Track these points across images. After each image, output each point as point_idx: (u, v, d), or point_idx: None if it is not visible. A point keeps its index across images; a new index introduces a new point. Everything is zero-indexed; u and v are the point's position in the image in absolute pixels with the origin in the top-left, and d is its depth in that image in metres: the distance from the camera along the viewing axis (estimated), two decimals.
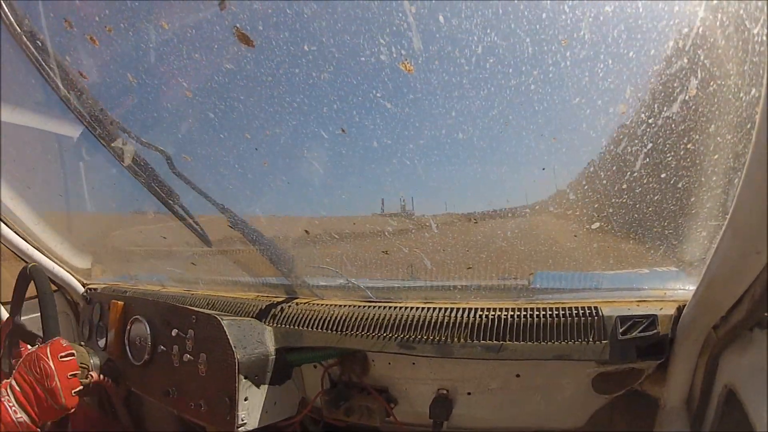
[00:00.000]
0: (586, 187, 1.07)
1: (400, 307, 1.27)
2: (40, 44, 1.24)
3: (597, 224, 1.10)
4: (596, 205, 1.08)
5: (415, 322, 1.20)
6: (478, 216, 1.19)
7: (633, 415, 1.15)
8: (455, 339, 1.14)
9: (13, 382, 1.26)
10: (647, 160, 0.98)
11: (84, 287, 2.09)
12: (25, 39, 1.23)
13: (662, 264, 1.13)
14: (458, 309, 1.19)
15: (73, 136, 1.65)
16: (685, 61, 0.89)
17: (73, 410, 1.33)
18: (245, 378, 1.26)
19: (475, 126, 1.08)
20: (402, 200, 1.27)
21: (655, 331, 1.00)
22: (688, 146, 0.95)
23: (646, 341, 1.00)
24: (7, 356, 1.56)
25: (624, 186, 1.03)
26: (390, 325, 1.23)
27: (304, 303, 1.45)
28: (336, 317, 1.32)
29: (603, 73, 0.93)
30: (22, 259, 1.92)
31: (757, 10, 0.79)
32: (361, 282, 1.44)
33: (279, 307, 1.45)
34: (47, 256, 2.00)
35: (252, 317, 1.44)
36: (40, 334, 1.50)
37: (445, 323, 1.17)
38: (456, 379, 1.29)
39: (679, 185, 0.99)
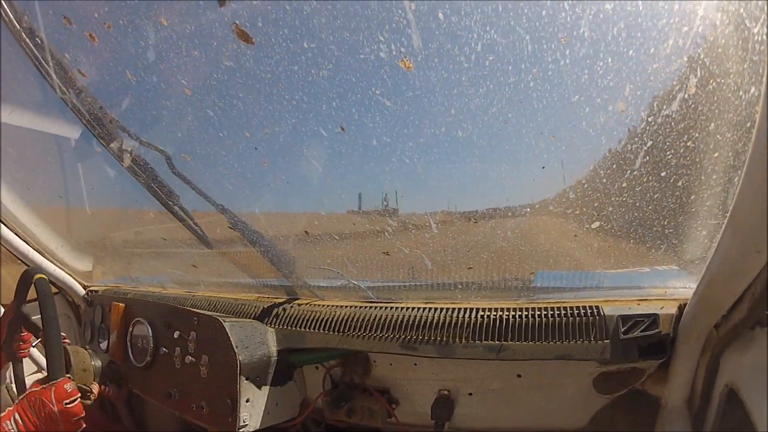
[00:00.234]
0: (586, 185, 1.06)
1: (402, 308, 1.26)
2: (39, 42, 1.25)
3: (597, 223, 1.10)
4: (596, 204, 1.08)
5: (416, 323, 1.20)
6: (478, 215, 1.19)
7: (634, 414, 1.14)
8: (457, 339, 1.14)
9: (17, 416, 1.26)
10: (647, 158, 0.98)
11: (85, 289, 2.09)
12: (24, 36, 1.24)
13: (663, 262, 1.12)
14: (459, 309, 1.19)
15: (72, 136, 1.65)
16: (685, 59, 0.89)
17: None
18: (247, 379, 1.26)
19: (474, 124, 1.08)
20: (385, 197, 1.26)
21: (657, 330, 1.00)
22: (688, 144, 0.95)
23: (647, 340, 1.00)
24: (8, 344, 1.56)
25: (624, 184, 1.03)
26: (391, 326, 1.23)
27: (306, 304, 1.45)
28: (337, 318, 1.31)
29: (603, 71, 0.93)
30: (23, 262, 1.92)
31: (756, 8, 0.79)
32: (362, 283, 1.44)
33: (280, 308, 1.45)
34: (48, 259, 2.00)
35: (253, 318, 1.44)
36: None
37: (446, 323, 1.17)
38: (457, 380, 1.29)
39: (679, 183, 0.99)
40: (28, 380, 1.79)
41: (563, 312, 1.09)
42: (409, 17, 0.94)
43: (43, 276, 1.40)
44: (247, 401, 1.26)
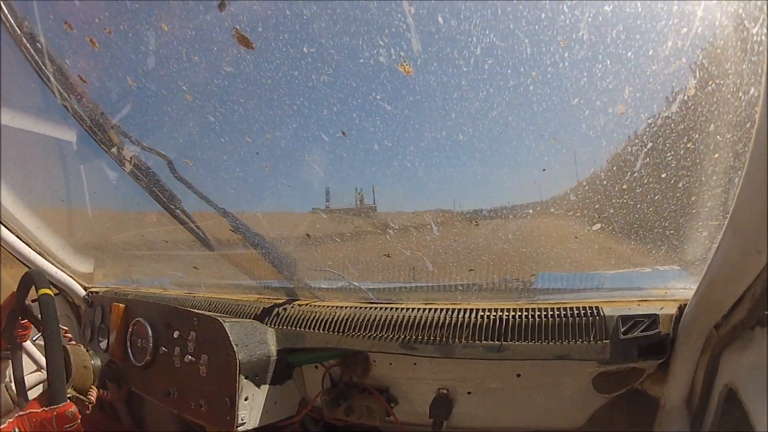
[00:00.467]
0: (586, 187, 1.07)
1: (402, 308, 1.27)
2: (39, 47, 1.25)
3: (598, 225, 1.10)
4: (597, 206, 1.08)
5: (416, 323, 1.21)
6: (479, 218, 1.20)
7: (633, 414, 1.15)
8: (456, 339, 1.14)
9: (17, 431, 1.27)
10: (647, 159, 0.98)
11: (86, 290, 2.09)
12: (24, 41, 1.24)
13: (663, 263, 1.13)
14: (460, 310, 1.19)
15: (73, 141, 1.65)
16: (684, 60, 0.89)
17: None
18: (246, 378, 1.27)
19: (475, 127, 1.08)
20: (359, 192, 1.27)
21: (657, 330, 1.00)
22: (688, 145, 0.95)
23: (647, 341, 1.00)
24: (9, 331, 1.57)
25: (625, 186, 1.03)
26: (391, 326, 1.23)
27: (306, 304, 1.45)
28: (337, 318, 1.32)
29: (602, 73, 0.93)
30: (24, 264, 1.93)
31: (756, 9, 0.79)
32: (362, 284, 1.44)
33: (280, 309, 1.45)
34: (49, 260, 2.00)
35: (253, 319, 1.44)
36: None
37: (446, 324, 1.17)
38: (456, 379, 1.29)
39: (680, 185, 0.99)
40: (28, 379, 1.81)
41: (563, 312, 1.09)
42: (409, 21, 0.94)
43: (49, 292, 1.40)
44: (246, 400, 1.26)
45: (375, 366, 1.39)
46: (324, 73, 1.08)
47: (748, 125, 0.85)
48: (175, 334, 1.41)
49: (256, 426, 1.29)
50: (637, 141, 0.97)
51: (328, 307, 1.39)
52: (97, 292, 2.04)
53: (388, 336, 1.22)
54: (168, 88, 1.26)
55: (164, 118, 1.36)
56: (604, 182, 1.04)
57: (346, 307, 1.36)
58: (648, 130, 0.96)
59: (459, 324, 1.16)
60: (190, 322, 1.38)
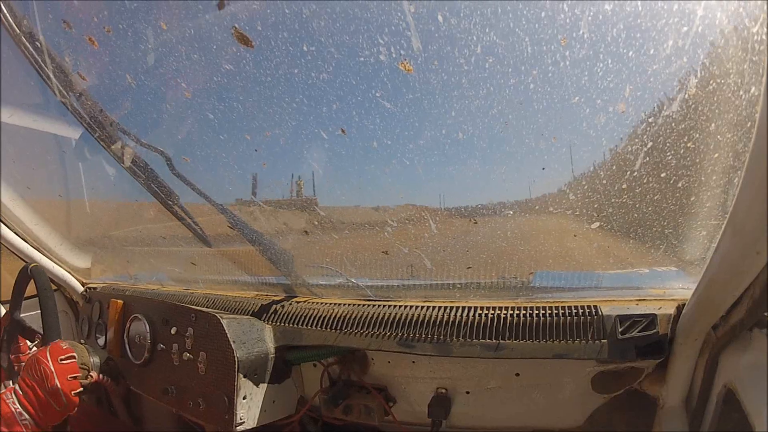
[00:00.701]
0: (586, 186, 1.06)
1: (400, 306, 1.27)
2: (39, 45, 1.24)
3: (597, 224, 1.10)
4: (596, 205, 1.08)
5: (414, 321, 1.20)
6: (478, 216, 1.19)
7: (632, 414, 1.15)
8: (455, 337, 1.14)
9: (17, 387, 1.27)
10: (647, 159, 0.98)
11: (83, 286, 2.09)
12: (24, 40, 1.23)
13: (662, 263, 1.13)
14: (458, 308, 1.19)
15: (72, 138, 1.65)
16: (685, 60, 0.89)
17: (74, 411, 1.34)
18: (244, 376, 1.26)
19: (475, 126, 1.08)
20: (297, 179, 1.26)
21: (655, 330, 1.00)
22: (688, 145, 0.95)
23: (645, 340, 1.00)
24: (5, 351, 1.57)
25: (624, 185, 1.03)
26: (389, 324, 1.23)
27: (304, 301, 1.45)
28: (335, 316, 1.32)
29: (602, 72, 0.93)
30: (22, 259, 1.93)
31: (756, 8, 0.79)
32: (361, 281, 1.44)
33: (278, 306, 1.45)
34: (47, 256, 2.00)
35: (251, 316, 1.44)
36: (39, 330, 1.50)
37: (444, 322, 1.17)
38: (455, 378, 1.29)
39: (679, 184, 0.99)
40: None
41: (561, 311, 1.09)
42: (409, 19, 0.94)
43: (36, 264, 1.44)
44: (244, 398, 1.26)
45: (373, 364, 1.39)
46: (324, 71, 1.07)
47: (748, 125, 0.85)
48: (173, 331, 1.41)
49: (255, 426, 1.29)
50: (637, 140, 0.97)
51: (325, 304, 1.39)
52: (94, 288, 2.04)
53: (386, 333, 1.22)
54: (167, 86, 1.26)
55: (163, 116, 1.36)
56: (604, 181, 1.04)
57: (344, 305, 1.35)
58: (648, 129, 0.96)
59: (457, 322, 1.15)
60: (188, 318, 1.38)
